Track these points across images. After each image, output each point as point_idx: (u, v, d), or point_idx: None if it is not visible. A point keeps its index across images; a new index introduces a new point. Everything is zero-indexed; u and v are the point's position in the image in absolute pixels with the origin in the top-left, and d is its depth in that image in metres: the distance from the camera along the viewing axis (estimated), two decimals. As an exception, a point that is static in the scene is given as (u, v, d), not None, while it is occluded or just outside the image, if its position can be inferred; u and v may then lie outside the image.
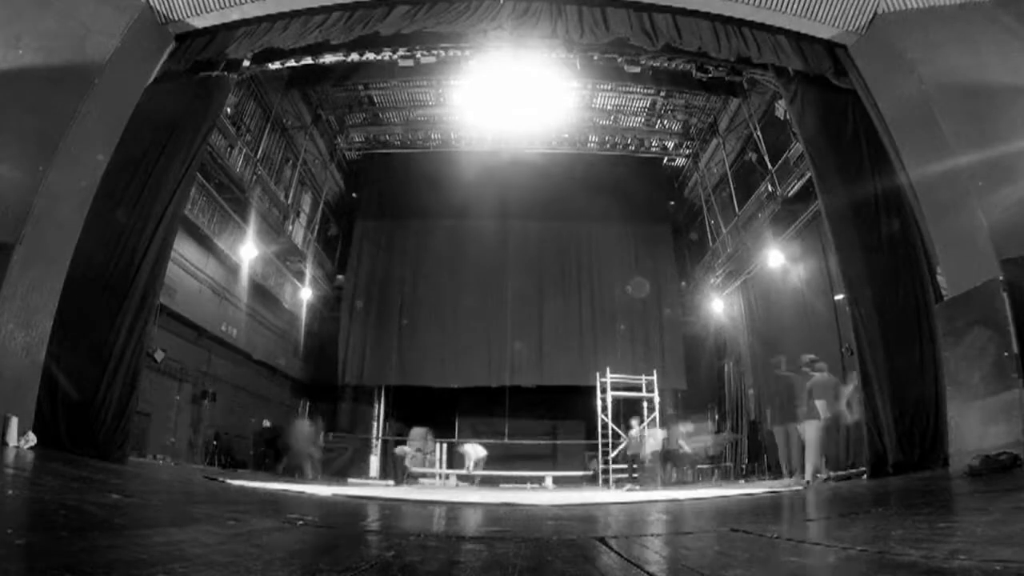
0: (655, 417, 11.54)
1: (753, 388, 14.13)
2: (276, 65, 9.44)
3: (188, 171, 7.68)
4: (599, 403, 12.03)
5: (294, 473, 11.12)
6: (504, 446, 12.85)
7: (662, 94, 13.52)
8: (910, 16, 6.97)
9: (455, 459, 12.83)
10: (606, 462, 11.51)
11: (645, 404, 12.18)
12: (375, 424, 14.91)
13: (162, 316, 10.22)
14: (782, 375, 8.85)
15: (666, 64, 9.69)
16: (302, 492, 6.53)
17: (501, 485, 11.00)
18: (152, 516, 3.15)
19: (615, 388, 12.19)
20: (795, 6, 7.41)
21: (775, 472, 9.15)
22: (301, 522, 3.18)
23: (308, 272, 15.00)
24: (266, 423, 12.98)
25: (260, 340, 14.74)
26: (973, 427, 5.55)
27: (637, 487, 10.16)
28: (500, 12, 7.87)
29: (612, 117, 14.36)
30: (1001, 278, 5.50)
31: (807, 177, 10.08)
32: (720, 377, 16.08)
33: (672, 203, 16.59)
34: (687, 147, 14.94)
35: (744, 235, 14.05)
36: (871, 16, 7.17)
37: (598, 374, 12.27)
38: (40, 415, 5.67)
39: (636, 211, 14.84)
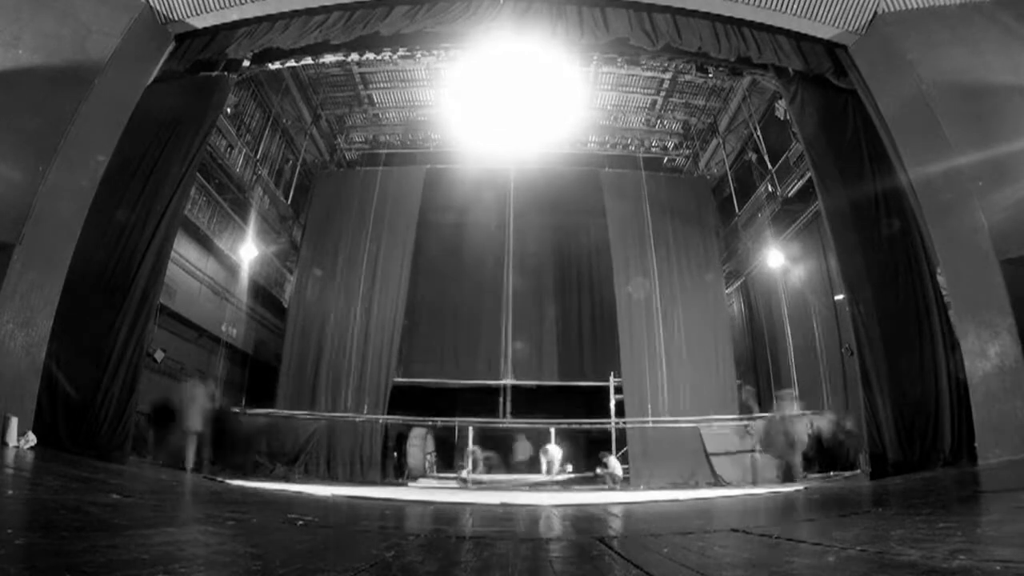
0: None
1: (754, 388, 14.13)
2: (276, 65, 9.44)
3: (188, 171, 7.68)
4: (613, 405, 12.01)
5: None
6: (505, 446, 12.83)
7: (662, 94, 13.52)
8: (910, 16, 6.97)
9: (460, 460, 12.85)
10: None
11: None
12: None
13: (162, 316, 10.23)
14: None
15: (666, 63, 9.68)
16: (301, 492, 6.54)
17: (503, 486, 10.98)
18: (152, 516, 3.15)
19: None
20: (795, 6, 7.41)
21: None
22: (301, 522, 3.18)
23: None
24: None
25: (260, 339, 14.75)
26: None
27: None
28: (500, 12, 7.87)
29: (612, 117, 14.35)
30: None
31: (807, 177, 10.07)
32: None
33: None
34: (687, 147, 14.94)
35: (744, 235, 14.06)
36: (871, 16, 7.17)
37: (611, 375, 12.26)
38: (40, 415, 5.67)
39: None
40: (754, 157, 13.18)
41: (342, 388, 11.92)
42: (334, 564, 1.94)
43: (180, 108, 7.75)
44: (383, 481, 11.04)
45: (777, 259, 12.23)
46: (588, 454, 12.83)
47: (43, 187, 5.76)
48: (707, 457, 9.89)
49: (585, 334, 14.43)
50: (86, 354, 6.38)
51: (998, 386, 5.58)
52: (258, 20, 7.99)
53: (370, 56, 9.31)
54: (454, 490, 9.76)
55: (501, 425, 11.97)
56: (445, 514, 4.75)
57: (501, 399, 12.87)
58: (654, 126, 14.63)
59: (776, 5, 7.46)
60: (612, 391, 12.08)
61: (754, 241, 13.60)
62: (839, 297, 10.11)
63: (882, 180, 7.28)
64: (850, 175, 7.56)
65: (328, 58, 9.36)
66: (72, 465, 4.92)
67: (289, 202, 14.58)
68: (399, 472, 12.09)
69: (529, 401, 12.71)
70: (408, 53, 9.44)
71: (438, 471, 12.47)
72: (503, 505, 5.82)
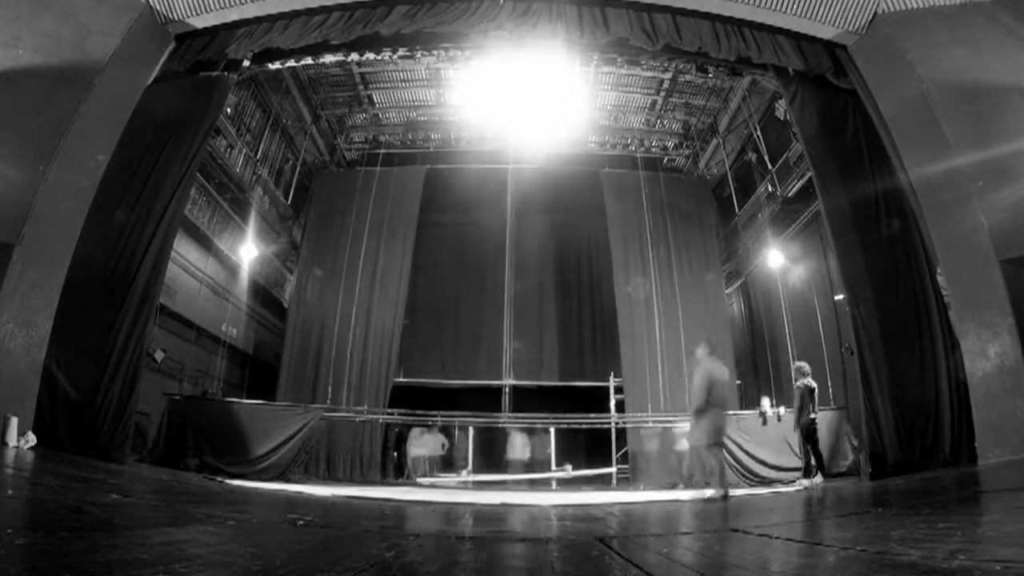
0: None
1: (755, 388, 14.13)
2: (276, 65, 9.44)
3: (188, 171, 7.68)
4: (613, 404, 12.01)
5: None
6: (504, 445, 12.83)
7: (662, 94, 13.52)
8: (910, 16, 6.98)
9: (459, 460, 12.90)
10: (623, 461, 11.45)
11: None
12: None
13: (162, 316, 10.23)
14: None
15: (666, 63, 9.67)
16: (301, 492, 6.54)
17: (502, 486, 10.98)
18: (152, 516, 3.15)
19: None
20: (795, 6, 7.41)
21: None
22: (301, 522, 3.18)
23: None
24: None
25: (260, 339, 14.76)
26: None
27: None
28: (500, 12, 7.87)
29: (612, 117, 14.34)
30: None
31: (807, 177, 10.08)
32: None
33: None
34: (687, 147, 14.94)
35: (744, 235, 14.06)
36: (871, 16, 7.17)
37: (611, 375, 12.27)
38: (40, 415, 5.67)
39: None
40: (754, 157, 13.18)
41: (342, 388, 11.92)
42: (334, 564, 1.94)
43: (180, 108, 7.75)
44: (383, 481, 11.04)
45: (777, 259, 12.23)
46: (588, 454, 12.84)
47: (43, 187, 5.76)
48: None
49: (585, 334, 14.44)
50: (86, 354, 6.38)
51: (998, 386, 5.58)
52: (258, 20, 8.00)
53: (370, 56, 9.30)
54: (454, 490, 9.76)
55: (500, 425, 11.96)
56: (445, 514, 4.75)
57: (502, 399, 12.88)
58: (654, 126, 14.63)
59: (776, 5, 7.46)
60: (612, 391, 12.09)
61: (754, 241, 13.60)
62: (839, 297, 10.11)
63: (882, 180, 7.28)
64: (850, 175, 7.56)
65: (328, 58, 9.35)
66: (72, 465, 4.92)
67: (289, 202, 14.58)
68: (399, 472, 12.09)
69: (529, 401, 12.71)
70: (408, 53, 9.43)
71: (438, 471, 12.48)
72: (503, 505, 5.82)
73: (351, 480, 10.50)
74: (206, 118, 8.01)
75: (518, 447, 11.74)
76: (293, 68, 11.21)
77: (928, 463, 6.17)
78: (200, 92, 8.09)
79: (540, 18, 7.90)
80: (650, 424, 11.41)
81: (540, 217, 14.99)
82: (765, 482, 8.93)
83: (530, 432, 11.94)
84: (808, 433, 7.67)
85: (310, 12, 7.98)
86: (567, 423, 11.88)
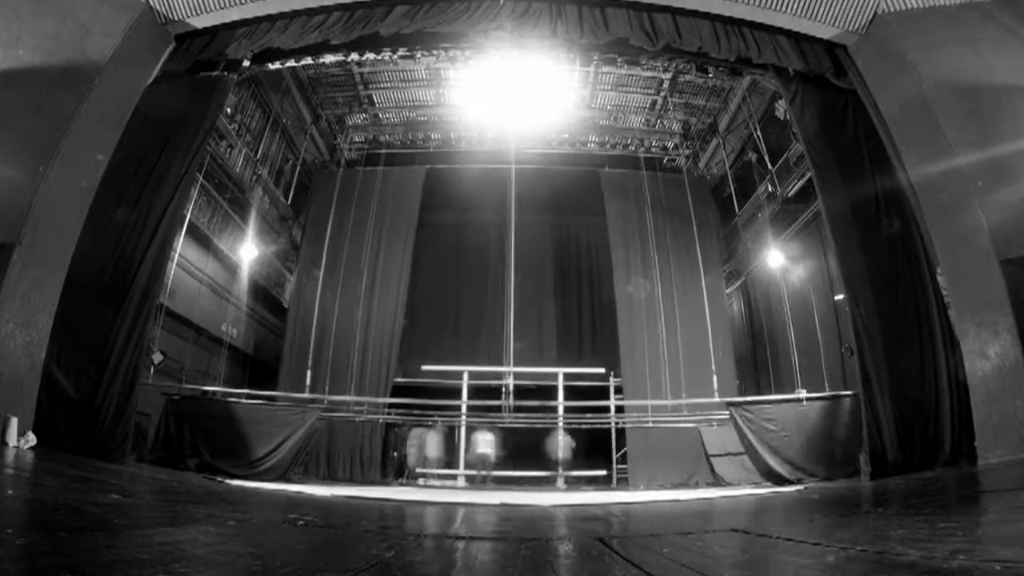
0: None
1: (754, 389, 14.12)
2: (276, 65, 9.44)
3: (188, 171, 7.68)
4: (612, 405, 12.01)
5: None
6: (506, 446, 12.82)
7: (662, 94, 13.52)
8: (910, 16, 6.97)
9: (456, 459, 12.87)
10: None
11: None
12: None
13: (162, 316, 10.23)
14: None
15: (666, 63, 9.66)
16: (301, 492, 6.54)
17: (507, 486, 10.96)
18: (152, 516, 3.15)
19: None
20: (795, 6, 7.41)
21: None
22: (301, 522, 3.18)
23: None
24: None
25: (260, 339, 14.75)
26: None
27: None
28: (500, 12, 7.87)
29: (612, 117, 14.34)
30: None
31: (807, 177, 10.08)
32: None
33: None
34: (687, 147, 14.93)
35: (744, 235, 14.05)
36: (871, 16, 7.17)
37: (611, 375, 12.26)
38: (40, 415, 5.67)
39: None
40: (754, 157, 13.17)
41: (342, 388, 11.91)
42: (334, 564, 1.94)
43: (180, 108, 7.75)
44: (383, 481, 11.04)
45: (777, 259, 12.23)
46: (588, 454, 12.82)
47: (43, 187, 5.76)
48: (707, 457, 9.88)
49: (585, 334, 14.44)
50: (86, 354, 6.38)
51: (998, 386, 5.58)
52: (258, 20, 7.99)
53: (370, 56, 9.30)
54: (454, 490, 9.76)
55: (501, 424, 11.95)
56: (445, 514, 4.75)
57: (502, 399, 12.87)
58: (654, 126, 14.62)
59: (776, 5, 7.46)
60: (612, 391, 12.08)
61: (754, 241, 13.60)
62: (839, 297, 10.11)
63: (882, 180, 7.28)
64: (850, 175, 7.56)
65: (328, 58, 9.35)
66: (72, 465, 4.92)
67: (289, 202, 14.58)
68: (399, 472, 12.09)
69: (529, 401, 12.71)
70: (408, 53, 9.43)
71: (438, 470, 12.47)
72: (503, 505, 5.82)
73: (351, 480, 10.50)
74: (206, 118, 8.01)
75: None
76: (293, 68, 11.21)
77: (928, 463, 6.16)
78: (200, 92, 8.09)
79: (540, 18, 7.90)
80: (650, 424, 11.41)
81: (540, 217, 14.97)
82: (786, 482, 8.46)
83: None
84: None
85: (310, 12, 7.98)
86: (566, 423, 11.87)
